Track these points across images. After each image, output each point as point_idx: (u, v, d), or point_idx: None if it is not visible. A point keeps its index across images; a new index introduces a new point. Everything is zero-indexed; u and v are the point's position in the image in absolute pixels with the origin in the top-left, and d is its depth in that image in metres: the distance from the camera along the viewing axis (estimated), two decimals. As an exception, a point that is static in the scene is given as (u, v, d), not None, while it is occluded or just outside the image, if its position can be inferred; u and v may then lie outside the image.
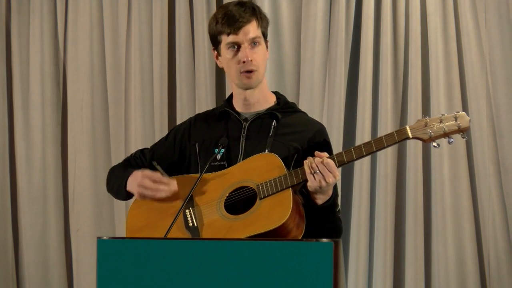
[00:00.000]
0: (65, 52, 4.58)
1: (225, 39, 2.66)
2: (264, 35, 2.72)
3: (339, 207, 2.70)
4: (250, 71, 2.66)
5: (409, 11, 4.24)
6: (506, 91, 4.16)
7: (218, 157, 2.65)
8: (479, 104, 4.18)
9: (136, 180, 2.65)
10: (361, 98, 4.25)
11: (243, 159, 2.65)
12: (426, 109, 4.22)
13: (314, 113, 4.27)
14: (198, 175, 2.60)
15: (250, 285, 2.06)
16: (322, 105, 4.30)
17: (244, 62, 2.64)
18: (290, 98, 4.46)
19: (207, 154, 2.68)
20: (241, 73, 2.66)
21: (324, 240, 2.05)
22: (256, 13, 2.68)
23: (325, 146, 2.71)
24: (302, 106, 4.29)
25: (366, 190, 4.21)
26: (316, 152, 2.54)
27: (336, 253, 2.04)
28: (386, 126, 4.20)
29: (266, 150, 2.63)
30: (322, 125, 2.78)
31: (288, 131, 2.70)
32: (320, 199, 2.56)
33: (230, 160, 2.65)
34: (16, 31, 4.59)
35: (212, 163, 2.63)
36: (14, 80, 4.58)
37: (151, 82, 4.45)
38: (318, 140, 2.71)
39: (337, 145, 4.21)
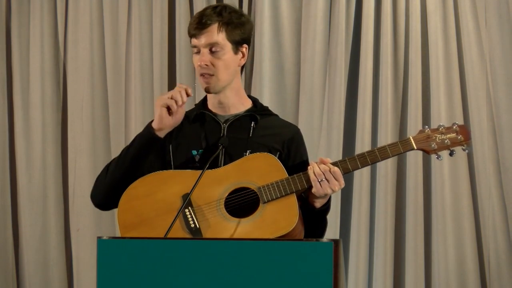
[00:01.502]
0: (65, 52, 4.58)
1: (191, 42, 2.66)
2: (234, 42, 2.64)
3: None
4: (207, 75, 2.63)
5: (409, 11, 4.24)
6: (506, 91, 4.15)
7: (197, 158, 2.63)
8: (479, 104, 4.17)
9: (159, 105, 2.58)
10: (361, 98, 4.24)
11: (224, 161, 2.62)
12: (426, 109, 4.22)
13: (314, 113, 4.27)
14: (189, 170, 2.57)
15: (250, 285, 2.06)
16: (322, 105, 4.29)
17: (200, 65, 2.63)
18: (290, 98, 4.47)
19: (182, 157, 2.65)
20: (199, 76, 2.65)
21: (324, 240, 2.05)
22: (222, 18, 2.61)
23: (304, 148, 2.73)
24: (302, 106, 4.29)
25: (366, 190, 4.21)
26: (320, 158, 2.56)
27: (336, 253, 2.04)
28: (386, 126, 4.20)
29: (248, 151, 2.61)
30: (298, 128, 2.78)
31: (267, 133, 2.69)
32: (319, 203, 2.58)
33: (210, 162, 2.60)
34: (16, 31, 4.59)
35: (190, 165, 2.61)
36: (14, 80, 4.58)
37: (151, 82, 4.45)
38: (297, 142, 2.71)
39: (337, 146, 4.21)
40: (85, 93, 4.51)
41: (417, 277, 4.16)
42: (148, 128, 2.62)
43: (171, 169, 2.66)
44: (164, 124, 2.59)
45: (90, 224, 4.48)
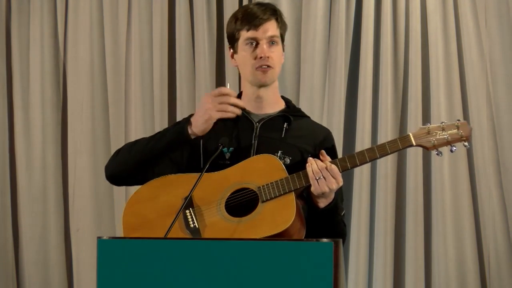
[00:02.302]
0: (65, 52, 4.58)
1: (244, 35, 2.67)
2: (282, 38, 2.72)
3: (344, 211, 2.71)
4: (266, 67, 2.65)
5: (409, 11, 4.24)
6: (506, 91, 4.15)
7: (227, 156, 2.64)
8: (479, 104, 4.18)
9: (205, 106, 2.59)
10: (361, 98, 4.25)
11: None
12: (426, 109, 4.22)
13: (314, 113, 4.27)
14: (195, 174, 2.58)
15: (251, 285, 2.06)
16: (322, 105, 4.30)
17: (261, 57, 2.64)
18: (290, 98, 4.47)
19: (212, 153, 2.62)
20: (256, 68, 2.66)
21: (324, 240, 2.05)
22: (277, 14, 2.70)
23: (334, 151, 2.73)
24: (302, 106, 4.28)
25: (366, 190, 4.21)
26: (321, 152, 2.56)
27: (336, 253, 2.04)
28: (386, 126, 4.20)
29: (279, 152, 2.62)
30: (329, 130, 2.80)
31: (299, 134, 2.70)
32: (322, 203, 2.57)
33: (240, 160, 2.61)
34: (16, 31, 4.59)
35: (220, 162, 2.61)
36: (14, 80, 4.58)
37: (151, 82, 4.45)
38: (328, 145, 2.72)
39: (337, 146, 4.19)
40: (85, 93, 4.51)
41: (417, 277, 4.16)
42: (185, 130, 2.62)
43: (200, 163, 2.66)
44: (206, 132, 2.62)
45: (90, 224, 4.48)
